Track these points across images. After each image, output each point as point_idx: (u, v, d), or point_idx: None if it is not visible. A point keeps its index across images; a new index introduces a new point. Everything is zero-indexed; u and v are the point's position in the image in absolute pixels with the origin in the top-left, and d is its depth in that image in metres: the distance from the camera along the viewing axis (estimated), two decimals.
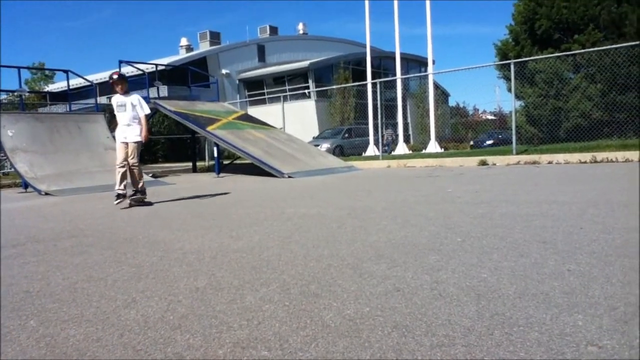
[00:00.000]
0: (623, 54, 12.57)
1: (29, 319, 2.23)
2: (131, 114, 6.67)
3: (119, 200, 6.57)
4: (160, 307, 2.29)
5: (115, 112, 6.75)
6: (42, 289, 2.72)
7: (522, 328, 1.82)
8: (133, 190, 6.70)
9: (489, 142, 21.93)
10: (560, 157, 10.28)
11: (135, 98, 6.72)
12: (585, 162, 9.88)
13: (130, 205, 6.50)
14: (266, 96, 33.97)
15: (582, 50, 13.04)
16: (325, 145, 20.38)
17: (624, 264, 2.54)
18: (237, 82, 36.19)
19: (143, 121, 6.69)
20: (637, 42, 11.46)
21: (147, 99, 14.25)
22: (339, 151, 20.47)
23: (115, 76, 6.74)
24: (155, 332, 1.98)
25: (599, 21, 14.86)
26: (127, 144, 6.65)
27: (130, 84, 6.87)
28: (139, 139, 6.68)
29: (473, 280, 2.43)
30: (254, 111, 21.32)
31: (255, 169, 11.70)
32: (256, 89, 35.64)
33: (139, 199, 6.71)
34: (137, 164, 6.66)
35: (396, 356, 1.65)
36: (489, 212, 4.54)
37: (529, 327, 1.82)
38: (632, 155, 9.36)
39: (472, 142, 23.14)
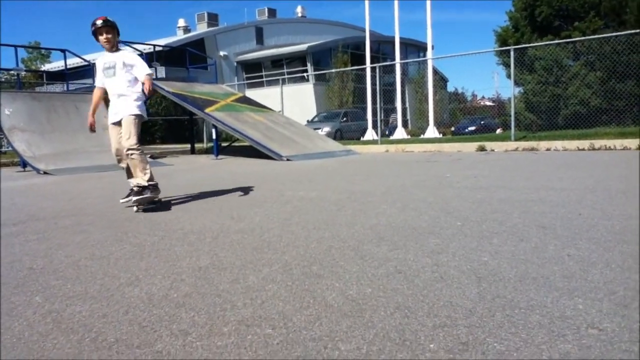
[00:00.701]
0: (623, 42, 12.54)
1: (34, 295, 2.24)
2: (124, 79, 4.62)
3: (126, 199, 4.75)
4: (163, 285, 2.31)
5: (103, 80, 4.76)
6: (45, 266, 2.73)
7: (523, 310, 1.84)
8: (138, 187, 4.55)
9: (471, 128, 21.38)
10: (559, 144, 10.30)
11: (128, 55, 4.73)
12: (583, 150, 9.91)
13: (137, 210, 4.51)
14: (264, 79, 33.78)
15: (583, 38, 13.01)
16: (326, 129, 20.23)
17: (623, 250, 2.57)
18: (235, 64, 35.98)
19: (146, 81, 4.49)
20: (638, 30, 11.43)
21: None
22: (339, 135, 20.37)
23: (99, 21, 4.51)
24: (160, 309, 2.00)
25: (599, 9, 14.81)
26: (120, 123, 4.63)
27: None
28: (136, 110, 4.60)
29: (474, 263, 2.46)
30: (252, 94, 21.23)
31: (254, 152, 11.68)
32: (254, 71, 35.45)
33: (147, 200, 4.57)
34: (135, 147, 4.52)
35: (399, 336, 1.67)
36: (487, 197, 4.56)
37: (530, 309, 1.85)
38: (630, 143, 9.39)
39: (453, 129, 22.39)
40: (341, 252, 2.77)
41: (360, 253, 2.74)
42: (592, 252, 2.57)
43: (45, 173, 9.29)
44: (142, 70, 4.60)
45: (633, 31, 11.65)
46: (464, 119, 24.25)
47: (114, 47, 4.66)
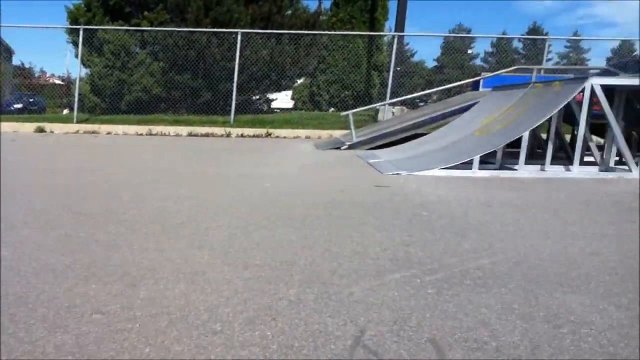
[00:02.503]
0: (184, 38, 13.70)
1: None
2: None
3: None
4: None
5: None
6: None
7: (31, 306, 1.75)
8: None
9: (18, 105, 20.62)
10: (120, 129, 10.57)
11: None
12: (142, 135, 10.38)
13: None
14: None
15: (150, 28, 13.63)
16: None
17: (147, 231, 2.76)
18: None
19: None
20: (196, 29, 12.84)
21: None
22: None
23: None
24: None
25: (167, 3, 15.71)
26: None
27: None
28: None
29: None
30: None
31: None
32: None
33: None
34: None
35: None
36: (31, 183, 4.24)
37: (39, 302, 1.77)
38: (181, 130, 10.45)
39: None
40: None
41: None
42: (119, 235, 2.66)
43: None
44: None
45: (192, 29, 12.96)
46: (11, 95, 22.40)
47: None
